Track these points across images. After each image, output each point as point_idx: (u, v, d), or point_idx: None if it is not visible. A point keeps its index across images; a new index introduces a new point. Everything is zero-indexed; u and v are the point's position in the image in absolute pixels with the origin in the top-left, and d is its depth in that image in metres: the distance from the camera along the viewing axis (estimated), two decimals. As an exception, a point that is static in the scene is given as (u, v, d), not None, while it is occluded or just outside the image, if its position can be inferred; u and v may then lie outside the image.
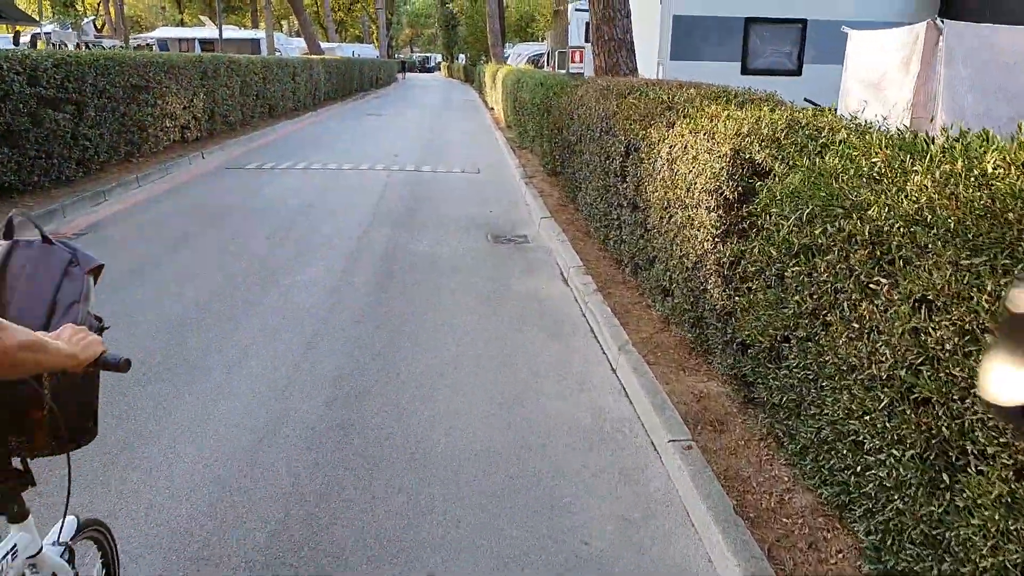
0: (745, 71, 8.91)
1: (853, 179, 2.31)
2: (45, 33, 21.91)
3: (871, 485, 2.10)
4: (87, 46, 26.41)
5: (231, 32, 31.87)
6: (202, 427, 3.22)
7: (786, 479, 2.77)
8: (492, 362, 3.98)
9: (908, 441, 1.90)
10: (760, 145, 2.98)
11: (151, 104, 9.93)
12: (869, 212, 2.10)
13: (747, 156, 3.05)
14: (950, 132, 2.16)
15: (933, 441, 1.83)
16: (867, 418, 2.09)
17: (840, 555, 2.35)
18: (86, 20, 30.42)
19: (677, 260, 3.76)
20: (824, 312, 2.34)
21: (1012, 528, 1.56)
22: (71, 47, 26.99)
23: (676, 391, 3.55)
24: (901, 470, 1.93)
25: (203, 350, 4.02)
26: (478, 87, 30.12)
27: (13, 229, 1.49)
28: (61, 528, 1.58)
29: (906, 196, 1.99)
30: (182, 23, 45.54)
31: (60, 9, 24.27)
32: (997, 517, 1.59)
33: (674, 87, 4.47)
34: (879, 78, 6.75)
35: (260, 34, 29.67)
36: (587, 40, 16.70)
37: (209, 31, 27.56)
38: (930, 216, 1.87)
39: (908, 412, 1.91)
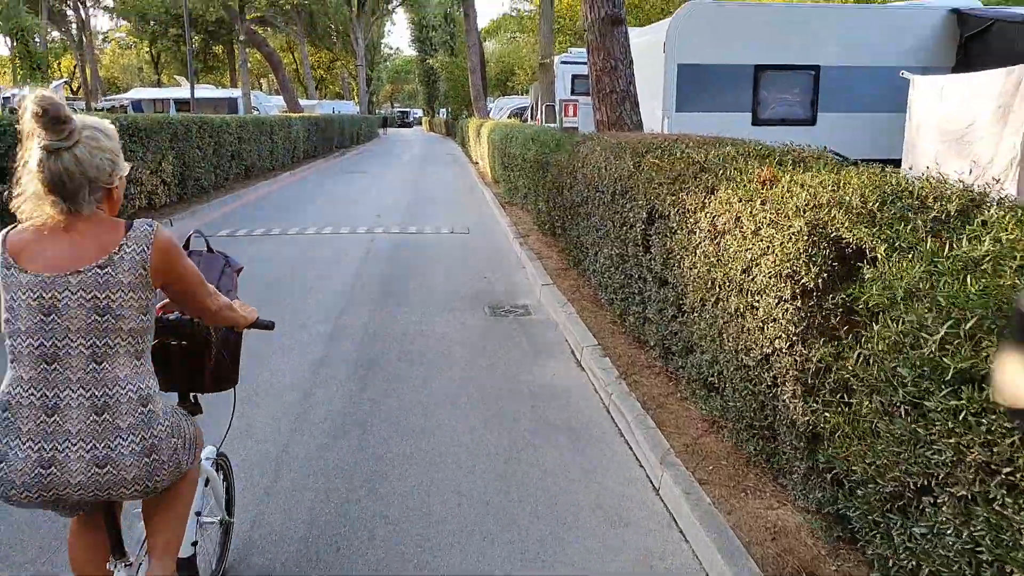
0: (756, 122, 8.42)
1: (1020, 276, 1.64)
2: (3, 98, 21.23)
3: None
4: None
5: (207, 91, 31.52)
6: None
7: None
8: (502, 498, 3.14)
9: None
10: (849, 220, 2.32)
11: (113, 170, 9.23)
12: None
13: (831, 234, 2.38)
14: None
15: None
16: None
17: None
18: (56, 83, 29.95)
19: (730, 354, 3.06)
20: (1004, 467, 1.63)
21: None
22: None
23: (743, 523, 2.80)
24: None
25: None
26: (460, 141, 29.92)
27: (189, 242, 2.26)
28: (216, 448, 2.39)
29: None
30: (159, 83, 45.36)
31: (27, 72, 23.69)
32: None
33: (704, 143, 3.86)
34: (963, 130, 5.95)
35: (237, 93, 29.33)
36: (574, 92, 16.43)
37: (185, 91, 27.14)
38: None
39: None
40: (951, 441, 1.76)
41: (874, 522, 2.18)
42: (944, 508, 1.84)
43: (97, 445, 1.58)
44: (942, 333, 1.74)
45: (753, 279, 2.77)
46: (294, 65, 48.07)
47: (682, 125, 7.56)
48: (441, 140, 42.14)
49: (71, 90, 33.39)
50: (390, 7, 46.37)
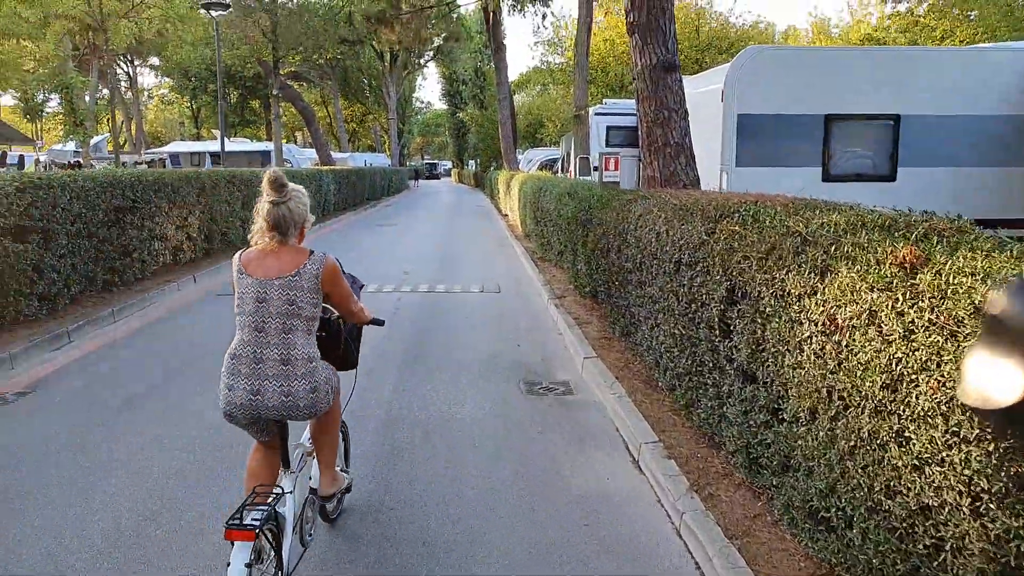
0: (827, 178, 7.56)
1: None
2: (20, 156, 21.53)
3: None
4: (77, 165, 26.14)
5: (240, 145, 31.94)
6: None
7: None
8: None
9: None
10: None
11: (137, 226, 8.88)
12: None
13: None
14: None
15: None
16: None
17: None
18: (97, 139, 30.61)
19: (860, 490, 2.31)
20: None
21: None
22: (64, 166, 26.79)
23: None
24: None
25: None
26: (489, 193, 29.68)
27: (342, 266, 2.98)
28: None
29: None
30: (198, 137, 46.50)
31: (70, 128, 24.17)
32: None
33: (798, 208, 3.17)
34: None
35: (271, 146, 29.64)
36: (608, 144, 15.97)
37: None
38: None
39: None
40: None
41: None
42: None
43: (284, 383, 2.47)
44: None
45: (904, 400, 2.05)
46: (327, 118, 48.96)
47: (743, 182, 6.85)
48: (470, 191, 42.15)
49: (116, 143, 34.17)
50: (422, 62, 47.20)
